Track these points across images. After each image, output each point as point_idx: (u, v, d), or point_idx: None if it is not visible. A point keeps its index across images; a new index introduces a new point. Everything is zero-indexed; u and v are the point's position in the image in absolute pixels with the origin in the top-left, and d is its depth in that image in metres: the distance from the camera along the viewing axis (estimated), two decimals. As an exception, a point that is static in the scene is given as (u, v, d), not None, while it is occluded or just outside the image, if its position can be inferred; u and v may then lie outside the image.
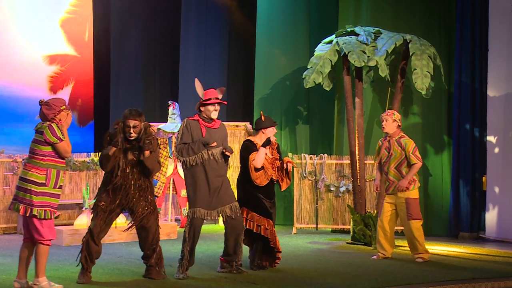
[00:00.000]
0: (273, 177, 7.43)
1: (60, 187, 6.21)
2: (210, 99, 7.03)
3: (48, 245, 6.14)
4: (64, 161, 6.24)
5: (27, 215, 6.04)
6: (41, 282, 6.14)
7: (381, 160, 8.37)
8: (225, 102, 7.32)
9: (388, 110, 8.44)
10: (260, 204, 7.34)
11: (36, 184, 6.05)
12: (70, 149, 6.20)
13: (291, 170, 7.57)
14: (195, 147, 6.91)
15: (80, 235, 8.94)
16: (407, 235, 8.24)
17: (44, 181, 6.07)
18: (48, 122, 6.18)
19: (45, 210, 6.07)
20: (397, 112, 9.72)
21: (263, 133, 7.48)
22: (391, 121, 8.26)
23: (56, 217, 6.28)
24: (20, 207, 6.05)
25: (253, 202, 7.34)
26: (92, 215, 6.70)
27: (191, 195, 6.96)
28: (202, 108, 7.07)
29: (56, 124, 6.16)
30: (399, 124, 8.31)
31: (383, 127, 8.30)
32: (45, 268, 6.19)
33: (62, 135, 6.14)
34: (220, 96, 7.13)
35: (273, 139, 7.47)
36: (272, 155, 7.50)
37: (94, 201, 6.82)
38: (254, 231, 7.29)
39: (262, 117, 7.55)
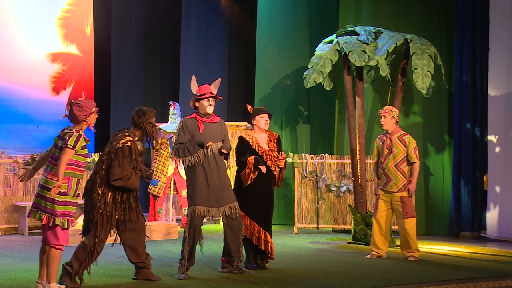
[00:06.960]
0: (271, 168, 7.40)
1: (78, 195, 6.19)
2: (204, 94, 7.03)
3: (61, 249, 6.11)
4: (83, 169, 6.20)
5: (50, 225, 6.01)
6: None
7: (380, 157, 8.36)
8: (220, 97, 7.29)
9: (386, 107, 8.43)
10: (250, 202, 7.27)
11: (58, 193, 5.99)
12: (64, 165, 6.00)
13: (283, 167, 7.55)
14: (190, 147, 6.91)
15: (80, 235, 8.92)
16: (401, 232, 8.30)
17: (66, 190, 6.03)
18: (77, 127, 6.15)
19: (67, 220, 6.05)
20: (396, 109, 9.73)
21: (254, 124, 7.48)
22: (390, 118, 8.28)
23: (73, 225, 6.25)
24: (43, 216, 6.00)
25: (243, 198, 7.24)
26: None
27: (191, 193, 6.97)
28: (197, 104, 7.07)
29: (84, 138, 6.14)
30: (397, 120, 8.34)
31: (382, 124, 8.33)
32: (56, 273, 6.13)
33: (79, 149, 6.09)
34: (215, 91, 7.11)
35: (264, 126, 7.44)
36: (269, 147, 7.47)
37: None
38: None
39: (249, 109, 7.58)
